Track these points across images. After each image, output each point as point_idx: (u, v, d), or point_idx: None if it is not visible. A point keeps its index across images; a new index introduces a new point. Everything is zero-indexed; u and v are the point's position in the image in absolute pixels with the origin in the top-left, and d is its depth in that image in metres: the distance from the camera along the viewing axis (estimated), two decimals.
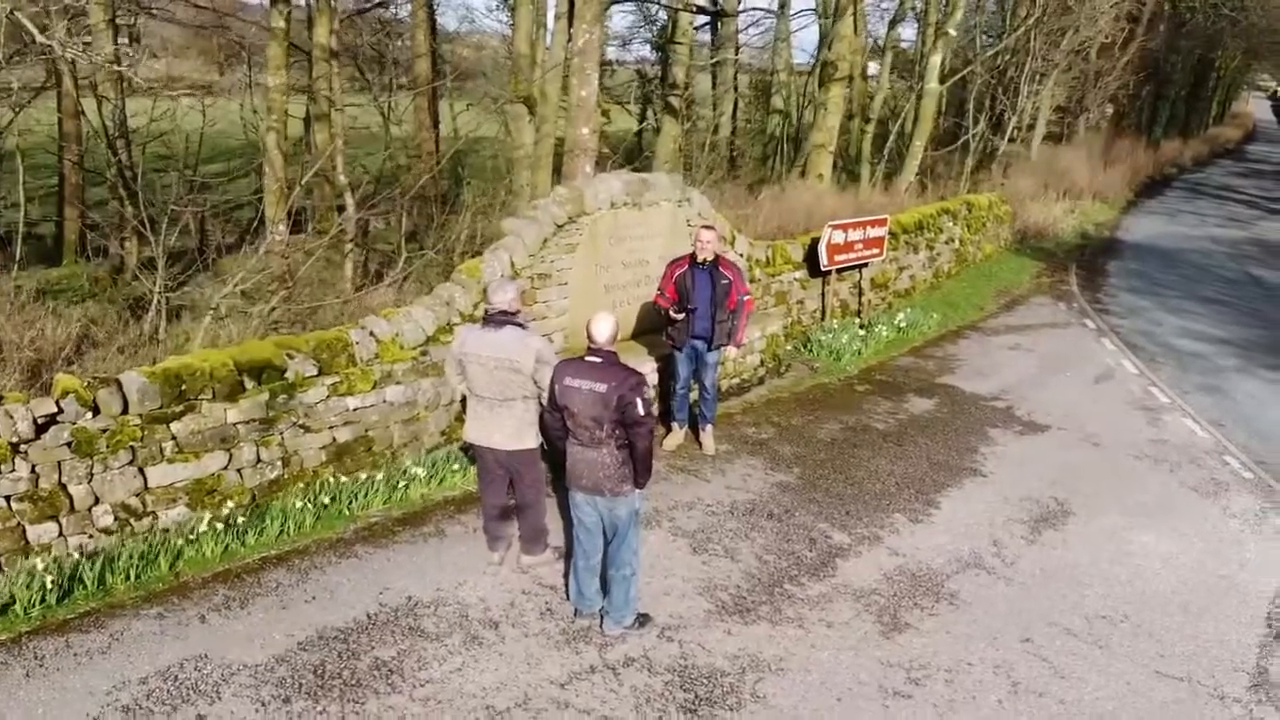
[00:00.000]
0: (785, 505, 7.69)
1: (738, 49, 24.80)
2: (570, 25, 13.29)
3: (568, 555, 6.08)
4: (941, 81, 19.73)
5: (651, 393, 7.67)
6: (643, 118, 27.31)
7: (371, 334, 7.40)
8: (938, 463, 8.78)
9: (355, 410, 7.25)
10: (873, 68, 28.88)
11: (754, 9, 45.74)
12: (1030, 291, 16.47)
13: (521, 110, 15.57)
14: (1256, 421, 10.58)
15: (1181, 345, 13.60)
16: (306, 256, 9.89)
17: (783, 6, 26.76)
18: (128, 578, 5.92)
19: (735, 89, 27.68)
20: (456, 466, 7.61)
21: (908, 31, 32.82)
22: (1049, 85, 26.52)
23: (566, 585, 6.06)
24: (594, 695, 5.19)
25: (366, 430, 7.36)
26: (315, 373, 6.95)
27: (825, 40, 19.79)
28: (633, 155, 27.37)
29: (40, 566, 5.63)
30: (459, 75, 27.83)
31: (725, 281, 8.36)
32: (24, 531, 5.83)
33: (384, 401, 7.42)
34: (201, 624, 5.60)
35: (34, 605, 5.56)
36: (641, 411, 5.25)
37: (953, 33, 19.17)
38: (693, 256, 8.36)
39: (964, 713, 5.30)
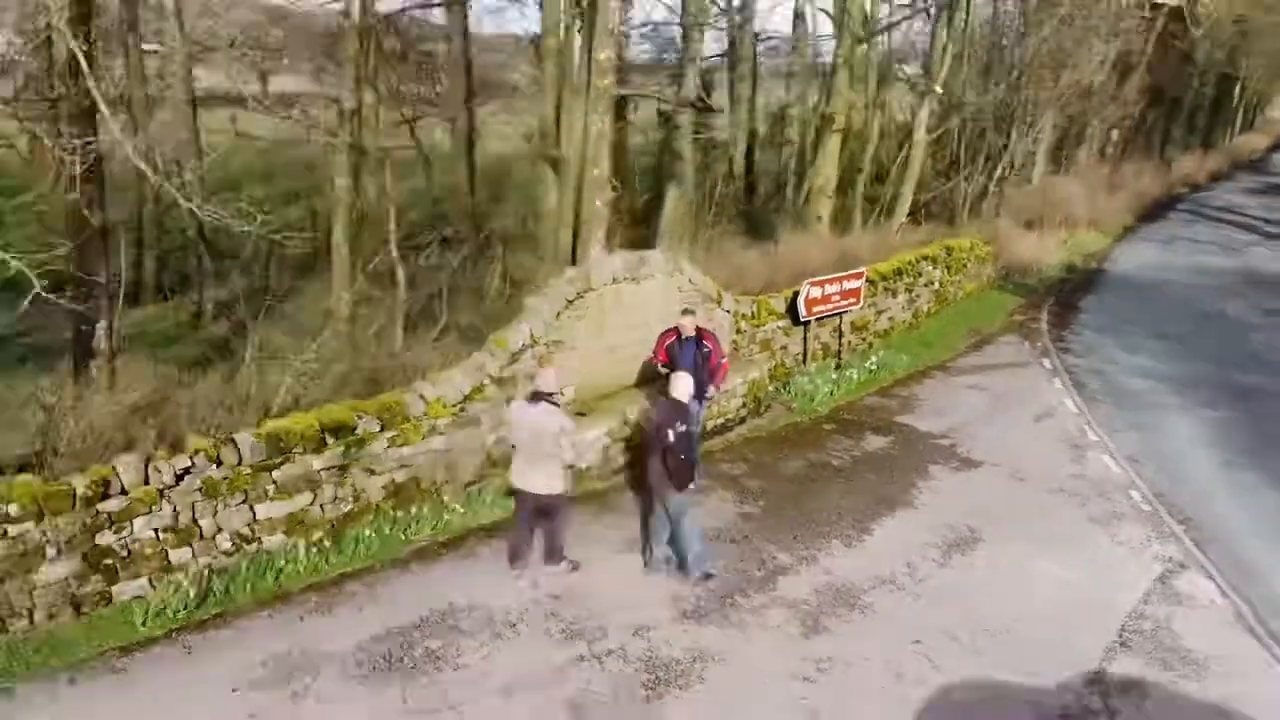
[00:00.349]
0: (745, 532, 9.66)
1: (752, 110, 26.64)
2: (588, 95, 15.14)
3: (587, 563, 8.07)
4: (931, 131, 21.51)
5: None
6: (661, 153, 29.25)
7: (421, 396, 9.48)
8: (879, 496, 10.69)
9: (408, 457, 9.33)
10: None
11: (771, 35, 47.40)
12: (1001, 330, 18.21)
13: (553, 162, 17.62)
14: (1172, 458, 12.27)
15: (1127, 384, 15.29)
16: (365, 314, 12.01)
17: (795, 47, 28.66)
18: (244, 589, 8.03)
19: (751, 123, 29.54)
20: (488, 500, 9.67)
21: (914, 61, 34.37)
22: (1046, 123, 28.10)
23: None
24: (583, 677, 7.21)
25: (417, 472, 9.43)
26: (378, 429, 9.04)
27: (824, 92, 21.64)
28: (654, 180, 29.18)
29: (184, 581, 7.76)
30: (492, 93, 29.86)
31: (706, 350, 10.34)
32: (167, 555, 7.96)
33: (430, 450, 9.49)
34: (301, 622, 7.69)
35: (180, 609, 7.67)
36: (671, 439, 7.85)
37: (939, 90, 20.93)
38: (678, 331, 10.36)
39: (855, 692, 7.24)
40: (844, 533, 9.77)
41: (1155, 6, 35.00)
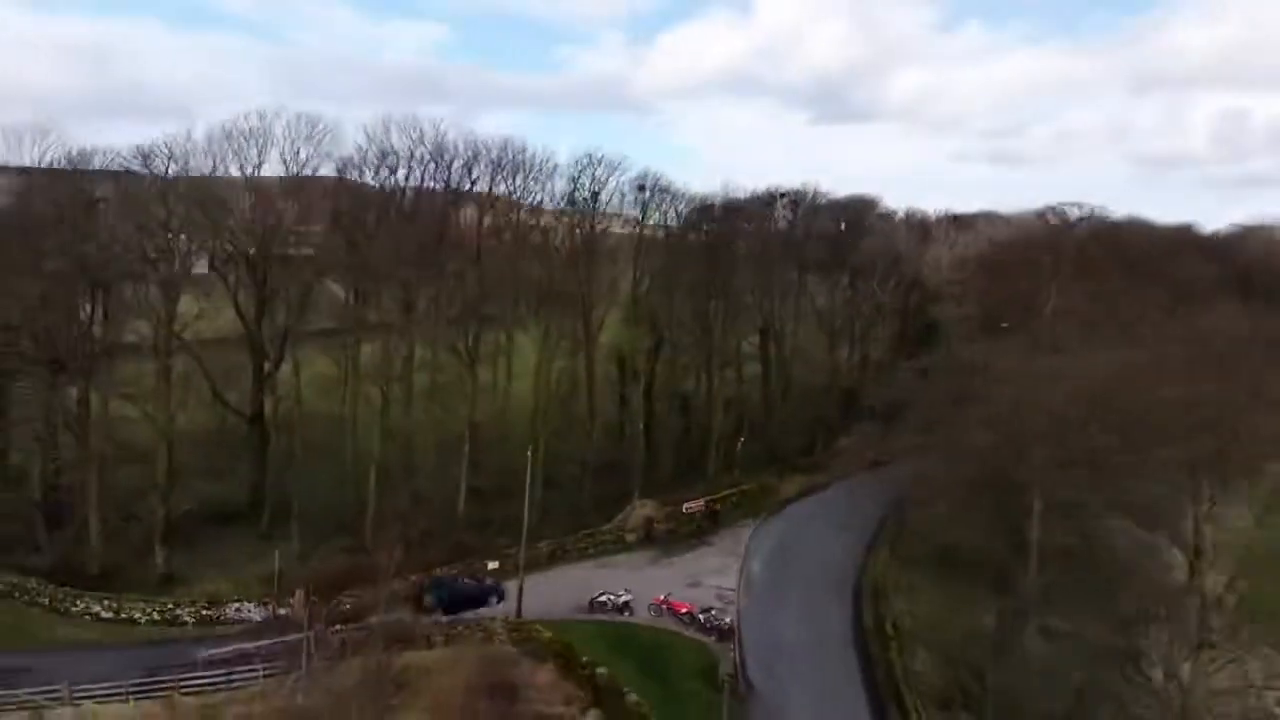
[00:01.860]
0: (662, 551, 53.54)
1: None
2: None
3: None
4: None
5: None
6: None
7: (603, 528, 53.79)
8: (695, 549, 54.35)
9: (596, 543, 53.62)
10: None
11: None
12: (763, 511, 61.55)
13: None
14: (762, 550, 55.53)
15: (771, 529, 58.62)
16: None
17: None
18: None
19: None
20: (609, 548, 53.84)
21: None
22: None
23: None
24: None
25: (605, 548, 53.67)
26: (592, 536, 53.39)
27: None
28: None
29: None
30: None
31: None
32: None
33: (603, 539, 53.68)
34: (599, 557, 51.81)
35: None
36: None
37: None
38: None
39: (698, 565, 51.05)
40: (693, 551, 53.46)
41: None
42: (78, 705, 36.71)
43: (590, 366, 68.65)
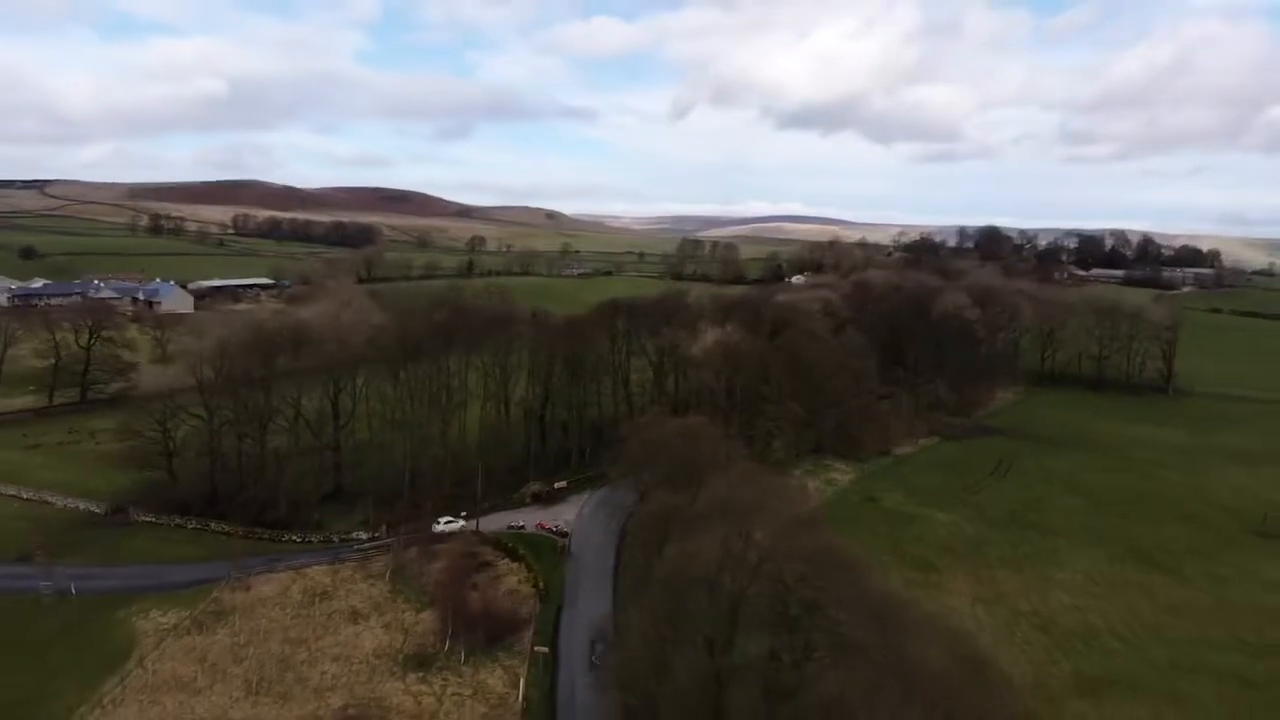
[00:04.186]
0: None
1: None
2: None
3: None
4: None
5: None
6: None
7: None
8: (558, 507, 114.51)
9: None
10: None
11: None
12: (599, 485, 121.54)
13: None
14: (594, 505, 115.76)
15: (603, 491, 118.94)
16: None
17: None
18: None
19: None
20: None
21: None
22: None
23: None
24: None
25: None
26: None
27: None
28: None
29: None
30: None
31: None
32: None
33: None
34: None
35: None
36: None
37: None
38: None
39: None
40: (557, 505, 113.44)
41: None
42: (310, 566, 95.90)
43: (508, 412, 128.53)
